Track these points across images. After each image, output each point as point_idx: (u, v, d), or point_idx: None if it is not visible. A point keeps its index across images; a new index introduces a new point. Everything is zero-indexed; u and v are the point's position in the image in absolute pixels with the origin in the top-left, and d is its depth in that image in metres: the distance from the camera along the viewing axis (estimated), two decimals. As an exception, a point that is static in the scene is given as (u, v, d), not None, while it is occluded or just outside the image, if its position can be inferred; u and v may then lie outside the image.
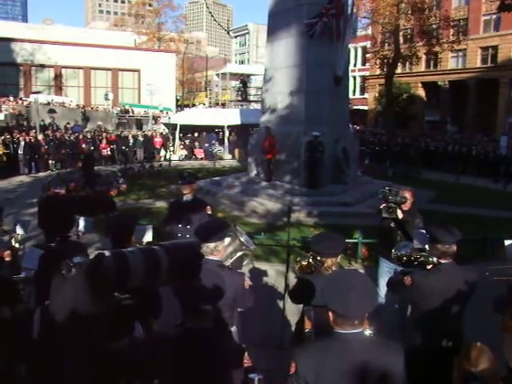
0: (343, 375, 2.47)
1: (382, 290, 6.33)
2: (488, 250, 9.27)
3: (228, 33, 23.90)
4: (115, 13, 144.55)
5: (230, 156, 29.75)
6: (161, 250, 1.66)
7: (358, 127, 41.50)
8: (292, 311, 5.99)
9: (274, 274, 8.47)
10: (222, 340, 2.95)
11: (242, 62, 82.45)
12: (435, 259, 3.98)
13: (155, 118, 36.63)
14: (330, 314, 2.57)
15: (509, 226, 11.19)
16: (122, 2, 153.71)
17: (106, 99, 39.66)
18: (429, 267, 4.02)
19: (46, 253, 3.67)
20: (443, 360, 3.93)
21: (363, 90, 59.01)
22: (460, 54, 46.44)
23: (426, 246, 4.17)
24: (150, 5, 63.81)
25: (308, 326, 3.78)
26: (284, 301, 6.31)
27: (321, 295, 2.89)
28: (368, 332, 2.68)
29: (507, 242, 4.81)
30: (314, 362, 2.52)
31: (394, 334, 4.21)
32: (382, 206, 6.25)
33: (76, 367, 1.60)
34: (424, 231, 4.43)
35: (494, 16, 43.68)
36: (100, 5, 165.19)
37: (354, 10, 17.67)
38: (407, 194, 6.31)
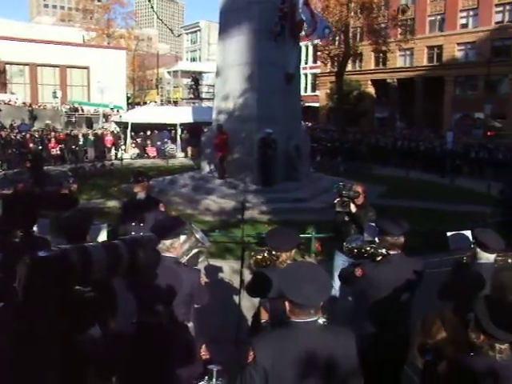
0: (299, 362, 2.57)
1: (337, 282, 6.49)
2: (435, 241, 9.58)
3: (172, 31, 23.86)
4: (61, 7, 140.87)
5: (182, 154, 29.57)
6: (122, 244, 1.71)
7: (309, 124, 41.98)
8: (247, 307, 6.08)
9: (229, 271, 8.54)
10: (177, 335, 3.00)
11: (193, 60, 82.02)
12: (384, 251, 4.14)
13: (106, 117, 36.03)
14: (287, 303, 2.67)
15: (455, 219, 11.57)
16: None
17: (55, 97, 38.71)
18: (379, 259, 4.18)
19: (10, 248, 3.63)
20: (393, 348, 4.10)
21: (314, 88, 59.70)
22: (408, 52, 47.65)
23: (376, 239, 4.33)
24: (99, 0, 62.51)
25: (264, 316, 3.87)
26: (239, 296, 6.39)
27: (277, 287, 2.98)
28: (322, 320, 2.78)
29: (449, 233, 5.02)
30: (271, 351, 2.61)
31: (347, 324, 4.35)
32: (336, 201, 6.44)
33: (40, 361, 1.63)
34: (374, 224, 4.59)
35: (439, 17, 45.07)
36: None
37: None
38: (359, 189, 6.53)
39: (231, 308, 6.75)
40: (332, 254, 7.10)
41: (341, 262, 6.50)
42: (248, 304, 6.02)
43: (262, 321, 3.90)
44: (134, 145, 29.88)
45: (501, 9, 42.04)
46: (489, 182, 17.53)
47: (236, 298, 6.66)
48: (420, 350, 3.39)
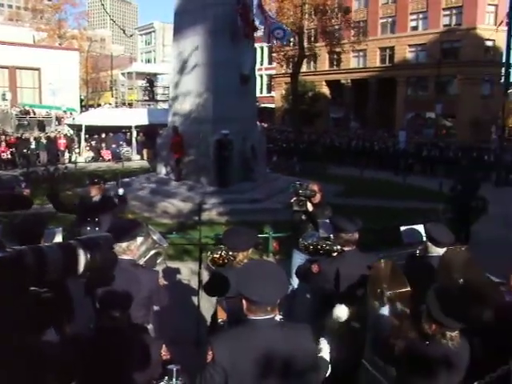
0: (257, 360, 2.60)
1: (296, 280, 6.58)
2: (389, 238, 9.79)
3: (124, 31, 23.53)
4: (9, 6, 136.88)
5: (138, 157, 29.28)
6: (78, 244, 1.71)
7: (265, 125, 42.17)
8: (206, 308, 6.09)
9: (188, 272, 8.53)
10: (136, 337, 3.00)
11: (148, 61, 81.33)
12: (339, 247, 4.24)
13: (59, 119, 35.30)
14: (244, 301, 2.69)
15: (408, 216, 11.84)
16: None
17: (4, 99, 37.67)
18: (334, 255, 4.27)
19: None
20: (351, 342, 4.20)
21: (270, 89, 60.05)
22: (361, 54, 48.54)
23: (331, 235, 4.42)
24: (49, -1, 61.07)
25: (222, 316, 3.89)
26: (198, 298, 6.40)
27: (234, 286, 3.01)
28: (279, 317, 2.82)
29: (402, 228, 5.17)
30: (229, 349, 2.62)
31: (306, 321, 4.41)
32: (292, 200, 6.54)
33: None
34: (328, 221, 4.69)
35: (390, 19, 46.08)
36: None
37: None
38: (315, 188, 6.65)
39: (190, 309, 6.75)
40: (290, 253, 7.18)
41: (298, 260, 6.58)
42: (207, 305, 6.03)
43: (219, 320, 3.93)
44: (88, 148, 29.38)
45: (448, 12, 43.33)
46: (440, 180, 17.98)
47: (195, 299, 6.66)
48: (376, 297, 3.51)
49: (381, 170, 24.02)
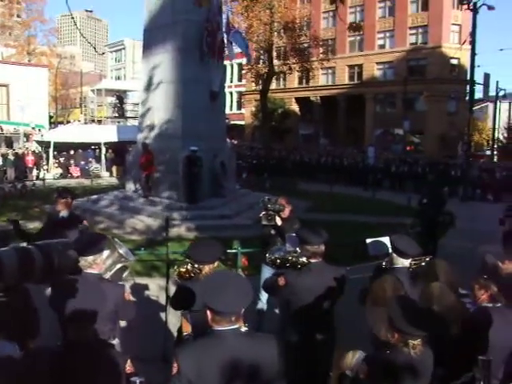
0: (222, 370, 2.59)
1: (265, 295, 6.58)
2: (358, 252, 9.87)
3: (95, 49, 23.41)
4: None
5: (107, 174, 29.01)
6: (35, 250, 1.70)
7: (235, 142, 42.31)
8: (174, 323, 6.04)
9: (156, 288, 8.46)
10: (102, 351, 2.96)
11: (118, 78, 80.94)
12: (305, 259, 4.27)
13: (27, 136, 34.80)
14: (208, 312, 2.68)
15: (377, 230, 11.94)
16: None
17: (-29, 115, 37.11)
18: (300, 267, 4.30)
19: None
20: (318, 353, 4.22)
21: (240, 106, 60.38)
22: (330, 71, 49.30)
23: (298, 249, 4.45)
24: (19, 16, 60.50)
25: (186, 329, 3.87)
26: (166, 313, 6.35)
27: (200, 299, 3.00)
28: (244, 329, 2.83)
29: (368, 240, 5.23)
30: (194, 361, 2.61)
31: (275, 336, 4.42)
32: (261, 214, 6.56)
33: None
34: (294, 235, 4.71)
35: (358, 37, 46.91)
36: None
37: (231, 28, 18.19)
38: (283, 202, 6.69)
39: (158, 325, 6.68)
40: (259, 269, 7.18)
41: (267, 274, 6.55)
42: (175, 320, 5.99)
43: (184, 333, 3.90)
44: (56, 164, 29.03)
45: (414, 31, 44.51)
46: (409, 195, 18.23)
47: (163, 315, 6.60)
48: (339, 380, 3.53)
49: (350, 186, 24.29)
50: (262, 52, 38.64)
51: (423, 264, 4.39)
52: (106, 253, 4.19)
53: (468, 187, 22.83)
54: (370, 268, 5.03)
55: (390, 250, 4.55)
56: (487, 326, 3.37)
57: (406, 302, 3.11)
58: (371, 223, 14.22)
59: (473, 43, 23.57)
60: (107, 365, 2.85)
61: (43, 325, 4.26)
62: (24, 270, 1.64)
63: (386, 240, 4.91)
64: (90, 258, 3.91)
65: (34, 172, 27.55)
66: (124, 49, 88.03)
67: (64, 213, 6.46)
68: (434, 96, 41.86)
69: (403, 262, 4.35)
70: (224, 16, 18.87)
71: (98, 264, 3.98)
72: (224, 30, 17.28)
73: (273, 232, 6.65)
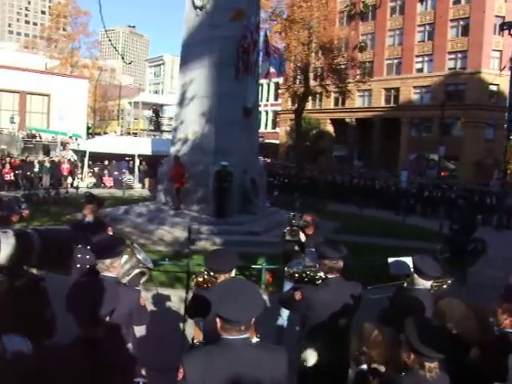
0: (228, 379, 2.56)
1: (286, 312, 6.52)
2: (385, 274, 9.71)
3: (122, 57, 23.83)
4: (26, 34, 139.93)
5: (140, 185, 29.40)
6: (34, 234, 1.71)
7: (268, 160, 42.41)
8: (192, 334, 6.01)
9: (177, 299, 8.46)
10: (114, 349, 2.96)
11: (156, 92, 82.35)
12: (323, 274, 4.21)
13: (64, 145, 35.61)
14: (218, 320, 2.66)
15: (405, 254, 11.77)
16: (34, 25, 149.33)
17: (12, 122, 38.14)
18: (318, 282, 4.24)
19: None
20: (333, 370, 4.14)
21: (275, 125, 60.59)
22: (366, 93, 49.16)
23: (317, 264, 4.40)
24: (64, 29, 62.36)
25: (197, 336, 3.85)
26: (184, 324, 6.34)
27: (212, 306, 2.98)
28: (255, 339, 2.79)
29: (390, 259, 5.14)
30: (200, 368, 2.59)
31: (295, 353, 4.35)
32: (286, 230, 6.54)
33: None
34: (314, 250, 4.66)
35: (396, 61, 46.77)
36: (10, 25, 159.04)
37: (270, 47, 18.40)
38: (309, 218, 6.65)
39: (177, 336, 6.67)
40: (282, 285, 7.12)
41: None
42: (193, 331, 5.96)
43: (195, 341, 3.88)
44: (90, 174, 29.55)
45: (453, 56, 44.07)
46: (441, 221, 17.91)
47: (181, 326, 6.59)
48: (355, 358, 3.44)
49: (381, 209, 24.00)
50: (298, 72, 38.78)
51: (444, 286, 4.29)
52: (124, 257, 4.22)
53: (502, 215, 22.33)
54: (391, 289, 4.94)
55: (412, 271, 4.46)
56: (508, 351, 3.25)
57: (424, 323, 3.03)
58: (399, 247, 13.98)
59: (513, 69, 23.22)
60: (117, 361, 2.84)
61: (60, 326, 4.29)
62: (22, 254, 1.65)
63: (408, 260, 4.83)
64: (108, 261, 3.92)
65: (69, 180, 28.08)
66: (163, 64, 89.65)
67: (89, 218, 6.54)
68: (471, 122, 41.30)
69: (424, 283, 4.25)
70: (262, 34, 19.04)
71: (115, 267, 3.99)
72: (261, 48, 17.45)
73: (296, 248, 6.61)
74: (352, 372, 3.47)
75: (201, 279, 4.11)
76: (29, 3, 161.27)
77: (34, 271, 4.78)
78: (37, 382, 2.70)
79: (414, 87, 46.44)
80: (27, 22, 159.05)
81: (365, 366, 3.34)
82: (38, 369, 2.71)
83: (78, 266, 5.73)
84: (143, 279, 4.48)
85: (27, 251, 1.69)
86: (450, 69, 44.18)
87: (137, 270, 4.28)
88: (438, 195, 25.62)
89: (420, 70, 46.37)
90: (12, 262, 1.67)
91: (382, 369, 3.32)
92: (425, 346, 2.81)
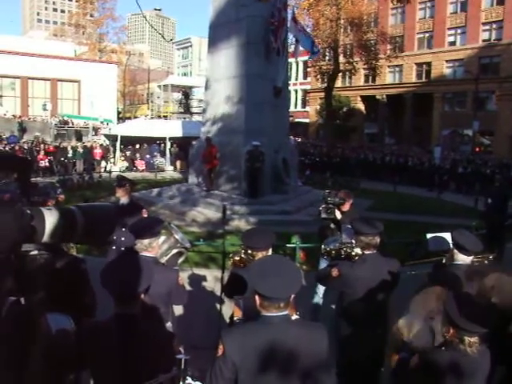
0: (268, 355, 2.56)
1: (322, 289, 6.51)
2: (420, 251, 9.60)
3: (163, 36, 23.62)
4: (54, 22, 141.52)
5: (171, 168, 29.62)
6: (77, 211, 1.73)
7: (299, 139, 42.16)
8: (228, 314, 6.05)
9: (212, 279, 8.53)
10: (151, 326, 3.00)
11: (184, 75, 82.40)
12: (359, 250, 4.18)
13: (95, 130, 36.08)
14: (257, 297, 2.66)
15: (441, 231, 11.61)
16: (62, 12, 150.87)
17: (44, 110, 38.80)
18: (355, 259, 4.21)
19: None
20: (370, 347, 4.12)
21: (305, 104, 60.06)
22: (397, 69, 48.20)
23: (353, 241, 4.36)
24: (92, 15, 62.76)
25: (237, 313, 3.87)
26: (221, 305, 6.38)
27: (249, 283, 2.98)
28: (295, 316, 2.78)
29: (429, 235, 5.06)
30: (239, 344, 2.60)
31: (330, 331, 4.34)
32: (321, 207, 6.49)
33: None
34: (350, 226, 4.62)
35: (427, 34, 45.69)
36: (39, 13, 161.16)
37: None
38: (343, 195, 6.59)
39: (214, 316, 6.73)
40: (317, 264, 7.09)
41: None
42: (229, 311, 6.00)
43: (235, 318, 3.90)
44: (123, 158, 29.89)
45: (488, 27, 42.71)
46: (476, 197, 17.61)
47: (218, 306, 6.64)
48: (395, 347, 3.41)
49: (415, 186, 23.69)
50: (327, 49, 38.28)
51: (485, 262, 4.20)
52: (162, 238, 4.26)
53: (540, 190, 21.81)
54: (429, 266, 4.87)
55: (451, 246, 4.38)
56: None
57: (464, 297, 2.97)
58: (434, 223, 13.79)
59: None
60: (156, 339, 2.87)
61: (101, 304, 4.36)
62: (65, 230, 1.68)
63: (447, 236, 4.75)
64: (146, 241, 3.97)
65: (102, 164, 28.47)
66: (191, 46, 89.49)
67: (124, 200, 6.58)
68: (506, 95, 40.07)
69: (464, 259, 4.17)
70: (289, 12, 18.82)
71: (153, 247, 4.04)
72: (289, 26, 17.24)
73: (332, 226, 6.56)
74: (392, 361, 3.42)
75: (238, 258, 4.12)
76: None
77: (74, 252, 4.87)
78: (78, 358, 2.76)
79: (447, 61, 45.28)
80: (55, 10, 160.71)
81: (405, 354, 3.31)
82: (78, 345, 2.76)
83: (114, 247, 5.84)
84: (181, 259, 4.52)
85: (71, 227, 1.70)
86: (484, 40, 42.87)
87: (175, 251, 4.32)
88: (473, 171, 25.16)
89: (452, 43, 45.14)
90: (57, 238, 1.69)
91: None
92: (464, 320, 2.76)
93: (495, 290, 3.46)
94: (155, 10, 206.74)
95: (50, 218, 1.63)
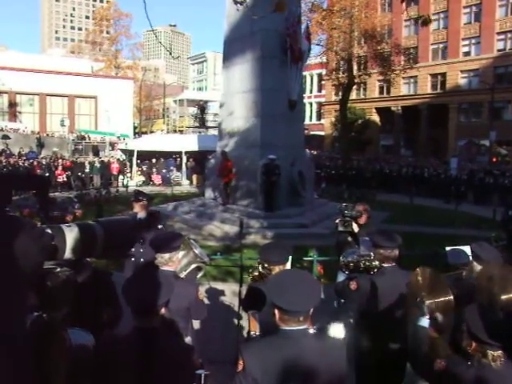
0: (289, 370, 2.55)
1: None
2: (439, 264, 9.53)
3: (170, 53, 23.73)
4: (72, 40, 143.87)
5: (187, 182, 29.73)
6: (97, 226, 1.76)
7: (314, 152, 42.15)
8: (247, 328, 6.05)
9: (230, 293, 8.50)
10: (170, 340, 3.01)
11: (200, 89, 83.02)
12: (378, 263, 4.16)
13: (112, 145, 36.43)
14: (276, 311, 2.66)
15: (460, 243, 11.50)
16: (79, 30, 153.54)
17: (62, 125, 39.34)
18: (374, 272, 4.19)
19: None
20: (390, 360, 4.08)
21: (320, 116, 60.11)
22: (411, 80, 48.14)
23: (372, 253, 4.34)
24: (108, 32, 63.70)
25: (254, 328, 3.86)
26: (238, 318, 6.38)
27: (267, 297, 2.98)
28: (313, 330, 2.78)
29: (448, 248, 5.03)
30: (260, 359, 2.59)
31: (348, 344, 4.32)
32: (338, 220, 6.49)
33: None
34: (368, 238, 4.61)
35: (441, 45, 45.59)
36: (57, 32, 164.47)
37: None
38: (361, 208, 6.58)
39: (231, 330, 6.72)
40: (335, 277, 7.07)
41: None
42: (247, 325, 6.00)
43: (252, 332, 3.90)
44: (139, 172, 30.10)
45: (502, 37, 42.58)
46: (494, 208, 17.42)
47: (236, 321, 6.64)
48: (416, 306, 3.38)
49: (431, 198, 23.51)
50: (341, 62, 38.34)
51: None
52: (182, 252, 4.28)
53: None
54: (448, 279, 4.83)
55: (471, 259, 4.35)
56: None
57: (486, 310, 2.94)
58: (452, 235, 13.68)
59: None
60: (174, 351, 2.88)
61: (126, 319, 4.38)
62: (86, 246, 1.71)
63: (466, 249, 4.71)
64: (167, 256, 4.01)
65: (119, 179, 28.71)
66: (206, 61, 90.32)
67: (141, 215, 6.63)
68: (523, 105, 39.89)
69: (483, 271, 4.13)
70: (303, 26, 18.87)
71: (173, 262, 4.08)
72: (303, 39, 17.29)
73: (349, 239, 6.54)
74: (411, 327, 3.40)
75: (256, 273, 4.12)
76: (73, 9, 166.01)
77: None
78: (97, 372, 2.77)
79: (462, 71, 45.15)
80: (72, 28, 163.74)
81: (426, 321, 3.28)
82: (96, 359, 2.77)
83: (132, 259, 5.89)
84: (200, 274, 4.55)
85: (92, 242, 1.73)
86: (498, 50, 42.72)
87: (194, 265, 4.35)
88: (491, 182, 24.91)
89: (467, 54, 45.02)
90: (78, 254, 1.72)
91: (441, 318, 3.27)
92: (485, 333, 2.72)
93: (493, 280, 3.40)
94: (170, 25, 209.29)
95: (71, 235, 1.66)
